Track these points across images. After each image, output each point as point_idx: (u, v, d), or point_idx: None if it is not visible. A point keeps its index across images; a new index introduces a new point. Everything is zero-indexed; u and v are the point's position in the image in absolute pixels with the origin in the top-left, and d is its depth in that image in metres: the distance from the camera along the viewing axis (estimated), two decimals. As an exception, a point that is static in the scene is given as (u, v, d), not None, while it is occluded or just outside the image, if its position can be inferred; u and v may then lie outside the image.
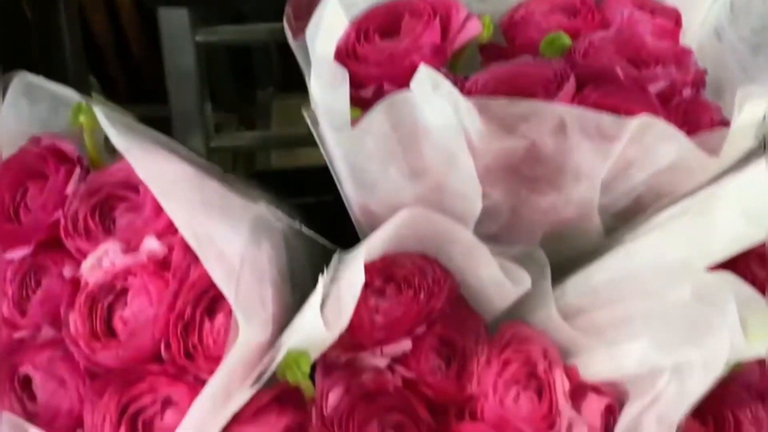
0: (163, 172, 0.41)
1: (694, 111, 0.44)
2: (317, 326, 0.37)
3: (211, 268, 0.38)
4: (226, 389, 0.37)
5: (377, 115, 0.38)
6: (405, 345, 0.43)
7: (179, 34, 0.79)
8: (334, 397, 0.42)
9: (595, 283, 0.41)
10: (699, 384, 0.36)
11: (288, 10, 0.46)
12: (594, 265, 0.42)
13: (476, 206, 0.41)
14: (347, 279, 0.38)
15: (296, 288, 0.45)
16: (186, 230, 0.38)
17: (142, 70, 1.40)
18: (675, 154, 0.39)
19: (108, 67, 1.38)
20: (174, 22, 0.78)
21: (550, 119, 0.40)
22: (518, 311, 0.46)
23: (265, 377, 0.38)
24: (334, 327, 0.37)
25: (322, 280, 0.38)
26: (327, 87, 0.40)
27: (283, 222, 0.43)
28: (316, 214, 0.49)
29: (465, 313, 0.45)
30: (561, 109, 0.40)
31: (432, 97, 0.37)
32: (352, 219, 0.45)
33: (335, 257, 0.41)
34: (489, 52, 0.50)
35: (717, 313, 0.35)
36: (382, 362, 0.42)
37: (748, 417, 0.39)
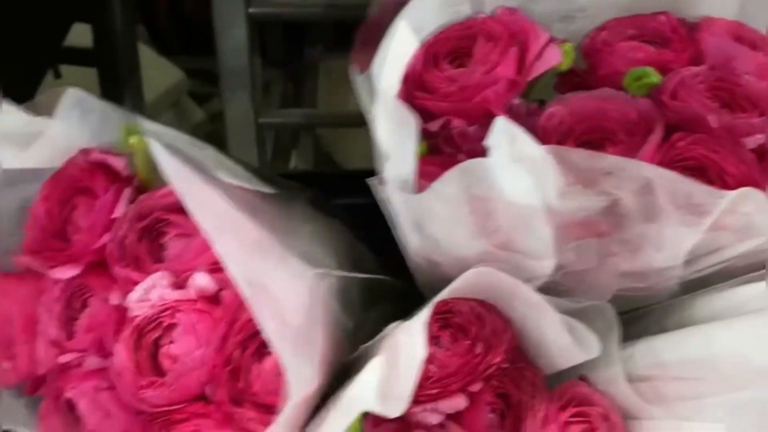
0: (214, 208, 0.39)
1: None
2: (371, 403, 0.35)
3: (264, 320, 0.36)
4: None
5: (449, 182, 0.35)
6: (460, 402, 0.41)
7: (232, 8, 0.76)
8: (384, 453, 0.40)
9: (666, 358, 0.39)
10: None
11: (357, 37, 0.42)
12: (667, 339, 0.39)
13: (547, 266, 0.38)
14: (406, 352, 0.35)
15: (350, 320, 0.44)
16: (239, 277, 0.36)
17: (192, 21, 1.37)
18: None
19: (158, 17, 1.36)
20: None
21: (636, 179, 0.37)
22: (581, 365, 0.43)
23: None
24: (391, 404, 0.35)
25: (379, 359, 0.35)
26: (393, 131, 0.37)
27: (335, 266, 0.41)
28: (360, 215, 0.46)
29: (522, 365, 0.43)
30: (649, 170, 0.36)
31: (509, 164, 0.34)
32: (409, 263, 0.42)
33: (393, 326, 0.39)
34: (566, 77, 0.46)
35: None
36: (435, 419, 0.41)
37: None
